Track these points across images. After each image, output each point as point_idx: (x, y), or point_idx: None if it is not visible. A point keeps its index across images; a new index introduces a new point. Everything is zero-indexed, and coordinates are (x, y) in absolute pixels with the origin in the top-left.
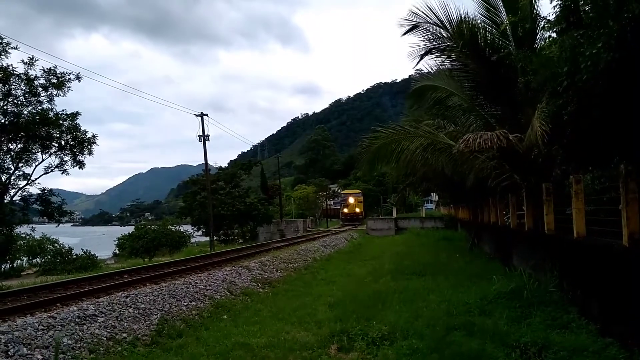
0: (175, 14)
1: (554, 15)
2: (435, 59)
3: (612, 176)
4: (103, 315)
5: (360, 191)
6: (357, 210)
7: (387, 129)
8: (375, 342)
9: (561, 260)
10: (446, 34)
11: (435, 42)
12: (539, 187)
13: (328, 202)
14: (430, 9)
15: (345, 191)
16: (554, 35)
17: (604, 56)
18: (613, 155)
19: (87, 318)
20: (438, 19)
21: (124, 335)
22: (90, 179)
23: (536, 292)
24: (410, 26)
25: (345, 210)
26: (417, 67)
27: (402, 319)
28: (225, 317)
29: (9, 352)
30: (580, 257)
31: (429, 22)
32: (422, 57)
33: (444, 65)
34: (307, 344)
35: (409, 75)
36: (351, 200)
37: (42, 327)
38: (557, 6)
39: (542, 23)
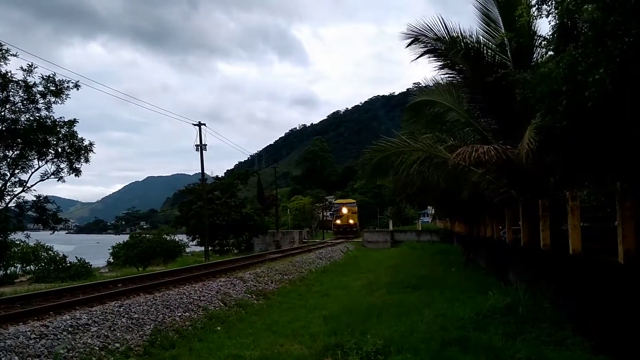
0: (174, 24)
1: (550, 33)
2: (432, 68)
3: (608, 193)
4: (96, 324)
5: (354, 201)
6: (351, 221)
7: (387, 142)
8: (369, 356)
9: (557, 276)
10: (443, 48)
11: (433, 53)
12: (535, 202)
13: (324, 214)
14: (428, 25)
15: (339, 201)
16: (551, 52)
17: (608, 82)
18: (609, 173)
19: (80, 327)
20: (435, 34)
21: (117, 345)
22: (86, 186)
23: (531, 308)
24: (411, 39)
25: (338, 221)
26: (415, 81)
27: (396, 333)
28: (218, 328)
29: None
30: (575, 273)
31: (427, 37)
32: (420, 55)
33: (442, 73)
34: (301, 357)
35: (407, 89)
36: (344, 210)
37: (35, 336)
38: (555, 25)
39: (539, 41)
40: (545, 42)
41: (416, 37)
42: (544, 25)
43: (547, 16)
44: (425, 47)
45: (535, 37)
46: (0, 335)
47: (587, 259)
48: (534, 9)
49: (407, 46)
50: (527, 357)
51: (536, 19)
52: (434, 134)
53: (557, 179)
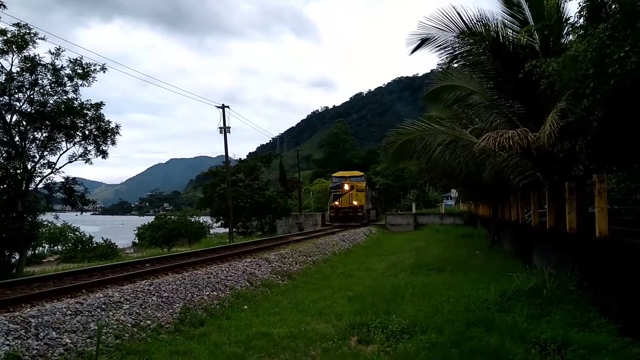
0: (190, 5)
1: (578, 16)
2: (454, 63)
3: (637, 178)
4: (128, 302)
5: (362, 174)
6: (356, 202)
7: (411, 125)
8: (395, 335)
9: (582, 260)
10: (463, 39)
11: (451, 48)
12: (562, 185)
13: None
14: (445, 14)
15: (339, 173)
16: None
17: (633, 60)
18: (638, 156)
19: (113, 305)
20: (455, 24)
21: (148, 322)
22: (110, 168)
23: (556, 291)
24: (420, 41)
25: (337, 202)
26: (439, 62)
27: (421, 314)
28: (245, 307)
29: (39, 336)
30: (601, 256)
31: (442, 30)
32: (448, 64)
33: (461, 63)
34: (328, 335)
35: (431, 70)
36: (347, 187)
37: (70, 312)
38: (583, 8)
39: (568, 28)
40: (572, 29)
41: (426, 37)
42: (573, 5)
43: None
44: (438, 45)
45: (564, 20)
46: (39, 311)
47: (614, 242)
48: None
49: (413, 52)
50: (552, 338)
51: (566, 1)
52: (463, 113)
53: (587, 165)
